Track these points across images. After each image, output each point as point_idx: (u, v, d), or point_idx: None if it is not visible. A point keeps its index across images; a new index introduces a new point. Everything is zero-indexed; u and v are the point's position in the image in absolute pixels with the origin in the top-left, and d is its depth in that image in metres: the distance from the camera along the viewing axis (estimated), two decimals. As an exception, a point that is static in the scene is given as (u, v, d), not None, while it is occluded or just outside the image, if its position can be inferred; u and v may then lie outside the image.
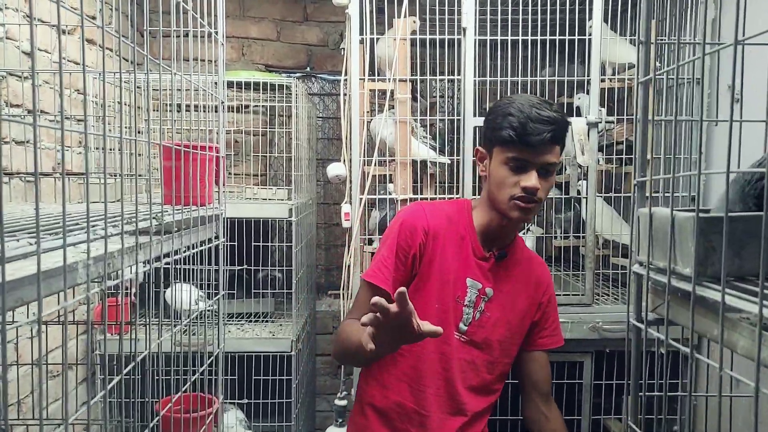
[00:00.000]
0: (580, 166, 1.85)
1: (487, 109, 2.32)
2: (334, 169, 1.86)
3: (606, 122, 1.84)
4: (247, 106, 2.90)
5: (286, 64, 3.07)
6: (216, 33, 1.24)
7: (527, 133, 1.13)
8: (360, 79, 1.86)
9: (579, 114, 2.02)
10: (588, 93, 1.88)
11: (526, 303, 1.33)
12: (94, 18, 2.37)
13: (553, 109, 1.17)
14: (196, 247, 1.07)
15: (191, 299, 1.96)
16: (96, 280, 0.70)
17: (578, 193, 1.97)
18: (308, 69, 3.09)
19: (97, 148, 2.18)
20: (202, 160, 1.13)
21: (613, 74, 2.01)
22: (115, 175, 2.06)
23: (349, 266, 2.02)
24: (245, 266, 2.27)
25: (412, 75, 1.91)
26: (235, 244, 2.20)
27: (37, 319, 0.54)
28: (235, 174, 2.96)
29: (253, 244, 2.27)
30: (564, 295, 1.93)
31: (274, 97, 2.69)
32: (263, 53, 3.05)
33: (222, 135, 1.20)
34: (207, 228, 1.18)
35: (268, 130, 2.86)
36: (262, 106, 2.81)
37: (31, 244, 0.60)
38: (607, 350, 1.88)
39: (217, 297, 1.22)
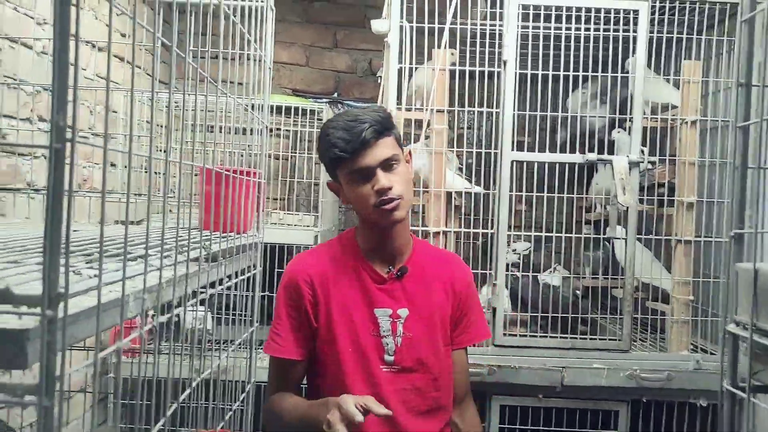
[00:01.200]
0: (619, 206, 1.79)
1: (521, 143, 2.28)
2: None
3: (648, 162, 1.79)
4: (276, 129, 2.88)
5: (314, 90, 3.06)
6: (264, 57, 1.21)
7: (348, 141, 1.12)
8: (397, 107, 1.83)
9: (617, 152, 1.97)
10: (628, 131, 1.84)
11: (446, 305, 1.25)
12: (124, 35, 2.37)
13: (369, 111, 1.17)
14: (238, 276, 1.02)
15: (203, 321, 1.91)
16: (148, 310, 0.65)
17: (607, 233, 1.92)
18: (336, 95, 3.08)
19: (129, 167, 2.15)
20: (244, 186, 1.09)
21: (653, 114, 1.97)
22: (155, 195, 2.03)
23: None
24: (266, 293, 2.21)
25: (449, 106, 1.88)
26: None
27: (93, 362, 0.49)
28: (257, 197, 2.92)
29: (276, 270, 2.22)
30: (600, 339, 1.85)
31: (304, 121, 2.67)
32: (292, 78, 3.05)
33: (264, 160, 1.16)
34: (247, 256, 1.13)
35: (297, 154, 2.81)
36: (291, 130, 2.78)
37: (92, 277, 0.55)
38: (644, 399, 1.80)
39: (252, 329, 1.17)
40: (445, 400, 1.24)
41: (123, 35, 2.33)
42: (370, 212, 1.15)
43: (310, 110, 2.47)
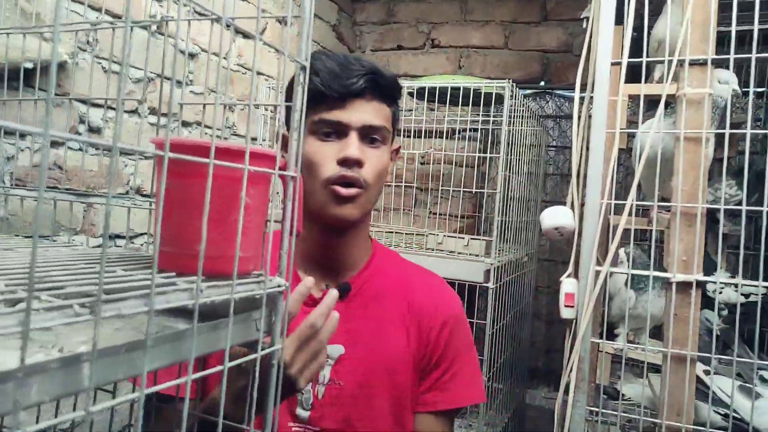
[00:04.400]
0: None
1: None
2: (553, 217, 1.10)
3: None
4: (463, 130, 2.29)
5: (513, 77, 2.39)
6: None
7: (337, 77, 0.82)
8: (612, 63, 1.08)
9: None
10: None
11: (407, 347, 0.89)
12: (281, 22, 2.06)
13: (377, 63, 0.86)
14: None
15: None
16: None
17: None
18: (542, 83, 2.37)
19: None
20: (233, 179, 0.52)
21: None
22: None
23: (571, 369, 1.24)
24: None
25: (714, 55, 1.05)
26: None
27: None
28: (438, 213, 2.31)
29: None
30: None
31: (497, 116, 2.04)
32: (485, 64, 2.44)
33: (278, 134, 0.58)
34: (248, 324, 0.56)
35: (487, 156, 2.15)
36: (480, 129, 2.17)
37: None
38: None
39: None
40: None
41: (279, 22, 2.03)
42: (317, 188, 0.83)
43: (497, 95, 1.82)
